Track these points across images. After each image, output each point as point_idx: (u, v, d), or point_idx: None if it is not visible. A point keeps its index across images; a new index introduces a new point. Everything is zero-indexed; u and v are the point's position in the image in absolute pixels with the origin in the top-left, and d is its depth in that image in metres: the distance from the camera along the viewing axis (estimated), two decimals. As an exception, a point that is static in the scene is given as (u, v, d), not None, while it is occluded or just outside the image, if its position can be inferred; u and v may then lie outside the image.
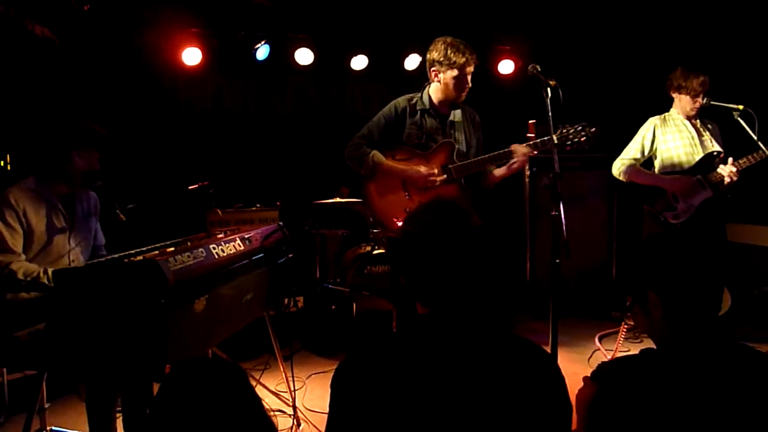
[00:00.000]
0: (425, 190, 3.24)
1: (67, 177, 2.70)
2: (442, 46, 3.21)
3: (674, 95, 3.69)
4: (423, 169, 3.24)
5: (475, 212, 1.39)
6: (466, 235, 1.33)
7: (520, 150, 3.19)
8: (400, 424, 1.19)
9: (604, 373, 1.45)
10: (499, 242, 3.41)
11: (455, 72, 3.20)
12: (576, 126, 3.12)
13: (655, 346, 1.48)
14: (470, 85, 3.27)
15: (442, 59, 3.21)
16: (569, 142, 3.12)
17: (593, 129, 3.10)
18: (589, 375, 1.49)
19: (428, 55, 3.28)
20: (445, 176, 3.25)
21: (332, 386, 1.29)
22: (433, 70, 3.28)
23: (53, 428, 2.80)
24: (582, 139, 3.10)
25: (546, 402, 1.25)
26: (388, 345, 1.32)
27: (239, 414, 1.13)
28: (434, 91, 3.33)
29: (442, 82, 3.27)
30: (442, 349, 1.27)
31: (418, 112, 3.33)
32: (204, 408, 1.10)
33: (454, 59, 3.18)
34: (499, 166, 3.32)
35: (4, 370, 3.19)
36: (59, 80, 4.33)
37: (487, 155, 3.24)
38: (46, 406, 2.73)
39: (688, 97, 3.59)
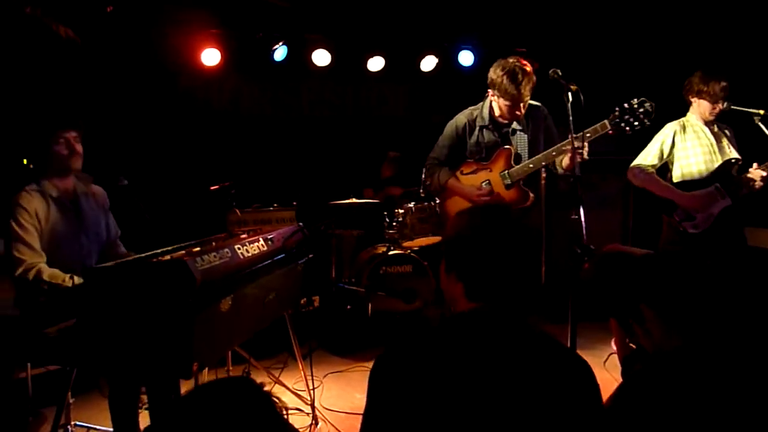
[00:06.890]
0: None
1: (57, 169, 2.71)
2: (501, 73, 3.13)
3: (693, 100, 3.60)
4: (474, 188, 3.34)
5: (532, 215, 1.43)
6: (507, 237, 1.39)
7: (567, 147, 2.98)
8: (434, 417, 1.22)
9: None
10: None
11: (509, 102, 3.18)
12: (632, 102, 2.98)
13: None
14: (523, 111, 3.24)
15: (498, 86, 3.16)
16: (628, 126, 2.98)
17: (652, 104, 2.95)
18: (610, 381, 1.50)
19: (489, 73, 3.22)
20: (490, 190, 3.30)
21: (370, 378, 1.31)
22: (490, 91, 3.26)
23: (77, 423, 2.86)
24: (641, 116, 2.97)
25: (580, 402, 1.27)
26: (426, 340, 1.35)
27: None
28: (495, 107, 3.33)
29: (497, 105, 3.28)
30: (477, 345, 1.29)
31: (477, 128, 3.36)
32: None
33: (508, 90, 3.12)
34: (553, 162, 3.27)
35: (29, 365, 3.24)
36: (82, 80, 4.38)
37: (534, 158, 3.25)
38: (71, 401, 2.78)
39: (707, 102, 3.52)
